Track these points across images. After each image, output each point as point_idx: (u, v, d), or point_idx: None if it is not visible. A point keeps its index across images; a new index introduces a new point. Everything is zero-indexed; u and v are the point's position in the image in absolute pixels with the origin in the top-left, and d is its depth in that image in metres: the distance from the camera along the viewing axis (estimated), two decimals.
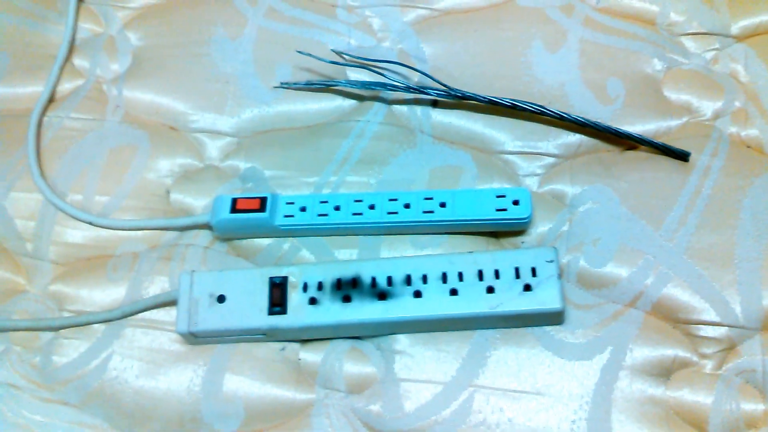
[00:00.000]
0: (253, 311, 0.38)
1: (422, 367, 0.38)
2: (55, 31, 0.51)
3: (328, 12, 0.50)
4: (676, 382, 0.37)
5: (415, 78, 0.47)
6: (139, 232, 0.44)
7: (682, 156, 0.42)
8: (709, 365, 0.37)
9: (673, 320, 0.38)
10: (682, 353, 0.37)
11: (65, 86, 0.49)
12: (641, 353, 0.37)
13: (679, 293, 0.38)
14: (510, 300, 0.37)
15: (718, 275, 0.39)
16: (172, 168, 0.46)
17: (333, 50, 0.48)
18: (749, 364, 0.37)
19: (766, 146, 0.43)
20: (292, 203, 0.42)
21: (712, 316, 0.38)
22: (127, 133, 0.47)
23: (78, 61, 0.50)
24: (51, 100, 0.49)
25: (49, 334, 0.41)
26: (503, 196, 0.41)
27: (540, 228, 0.41)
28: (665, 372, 0.37)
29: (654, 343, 0.38)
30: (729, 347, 0.38)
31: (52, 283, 0.43)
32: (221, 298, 0.39)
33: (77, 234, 0.44)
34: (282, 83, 0.47)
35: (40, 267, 0.43)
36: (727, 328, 0.38)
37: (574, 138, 0.44)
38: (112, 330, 0.41)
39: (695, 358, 0.37)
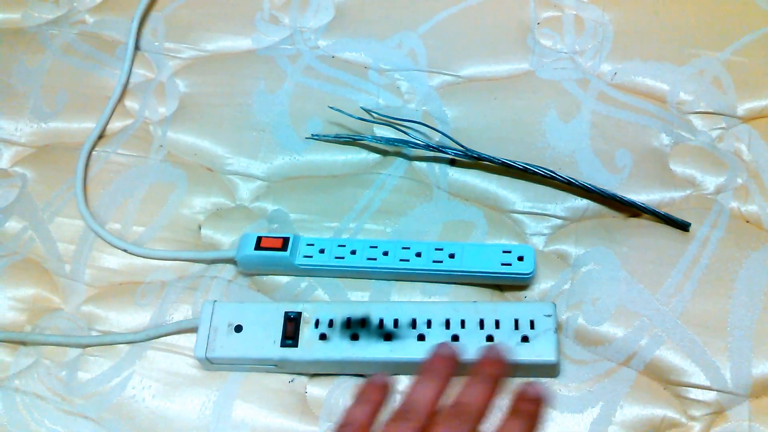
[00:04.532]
0: (267, 342, 0.41)
1: None
2: (112, 75, 0.56)
3: (361, 73, 0.54)
4: None
5: (436, 138, 0.50)
6: (169, 262, 0.47)
7: (683, 226, 0.44)
8: (696, 427, 0.38)
9: (664, 381, 0.40)
10: (671, 414, 0.39)
11: (115, 124, 0.54)
12: (631, 411, 0.39)
13: (671, 356, 0.40)
14: (508, 349, 0.39)
15: (711, 341, 0.40)
16: (206, 205, 0.49)
17: (362, 108, 0.51)
18: (736, 429, 0.38)
19: (765, 222, 0.44)
20: (312, 245, 0.45)
21: (702, 380, 0.39)
22: (167, 171, 0.51)
23: (129, 103, 0.55)
24: (101, 136, 0.53)
25: (76, 351, 0.44)
26: (509, 252, 0.43)
27: (543, 285, 0.44)
28: (654, 431, 0.38)
29: (644, 402, 0.39)
30: (717, 411, 0.39)
31: (84, 303, 0.46)
32: (238, 328, 0.42)
33: (112, 260, 0.47)
34: (313, 135, 0.51)
35: (75, 288, 0.46)
36: (716, 392, 0.39)
37: (581, 203, 0.46)
38: (135, 351, 0.43)
39: (684, 420, 0.39)
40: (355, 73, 0.54)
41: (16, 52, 0.57)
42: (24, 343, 0.44)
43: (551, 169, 0.46)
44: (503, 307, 0.40)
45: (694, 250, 0.43)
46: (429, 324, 0.40)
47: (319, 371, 0.42)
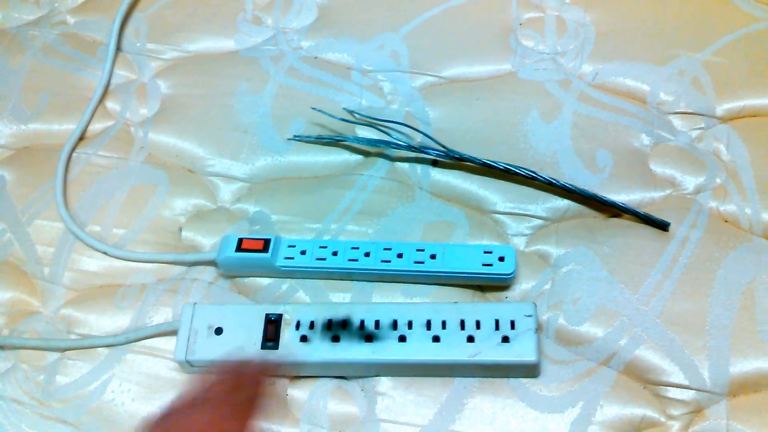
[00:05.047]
0: (248, 344, 0.41)
1: (402, 410, 0.40)
2: (93, 76, 0.56)
3: (344, 74, 0.54)
4: None
5: (418, 138, 0.50)
6: (149, 265, 0.47)
7: (663, 226, 0.44)
8: (675, 426, 0.38)
9: (644, 381, 0.40)
10: (650, 413, 0.39)
11: (96, 126, 0.53)
12: (611, 410, 0.39)
13: (650, 355, 0.40)
14: (488, 350, 0.39)
15: (689, 340, 0.40)
16: (187, 207, 0.49)
17: (344, 109, 0.51)
18: (714, 428, 0.38)
19: (743, 221, 0.45)
20: (294, 246, 0.45)
21: (680, 379, 0.39)
22: (148, 173, 0.50)
23: (110, 104, 0.54)
24: (82, 137, 0.53)
25: (55, 355, 0.44)
26: (490, 252, 0.43)
27: (524, 285, 0.44)
28: (633, 430, 0.38)
29: (624, 402, 0.39)
30: (696, 410, 0.39)
31: (63, 306, 0.45)
32: (219, 330, 0.41)
33: (92, 262, 0.47)
34: (295, 136, 0.51)
35: (54, 291, 0.46)
36: (694, 391, 0.39)
37: (562, 203, 0.47)
38: (115, 354, 0.43)
39: (663, 419, 0.39)
40: (338, 74, 0.54)
41: None
42: (1, 347, 0.44)
43: (533, 169, 0.46)
44: (484, 308, 0.40)
45: (674, 249, 0.43)
46: (410, 325, 0.40)
47: (300, 373, 0.42)
